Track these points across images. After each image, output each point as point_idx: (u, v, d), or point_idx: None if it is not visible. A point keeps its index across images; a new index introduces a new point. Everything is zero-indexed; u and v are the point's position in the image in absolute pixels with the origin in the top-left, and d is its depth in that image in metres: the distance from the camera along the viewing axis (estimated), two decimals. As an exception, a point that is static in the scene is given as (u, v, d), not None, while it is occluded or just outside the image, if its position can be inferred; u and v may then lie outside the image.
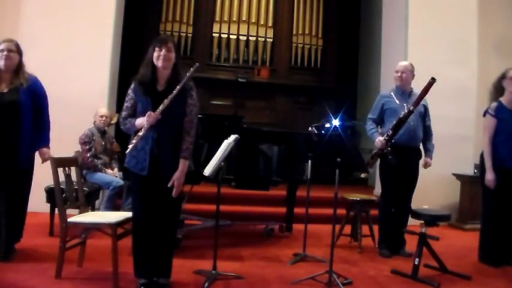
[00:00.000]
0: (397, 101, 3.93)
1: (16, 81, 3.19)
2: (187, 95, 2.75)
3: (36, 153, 3.35)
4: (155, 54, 2.71)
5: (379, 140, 3.83)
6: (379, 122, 4.06)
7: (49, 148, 3.36)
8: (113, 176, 4.57)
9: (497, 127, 3.70)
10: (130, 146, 2.71)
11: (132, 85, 2.79)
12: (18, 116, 3.18)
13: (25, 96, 3.20)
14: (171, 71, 2.76)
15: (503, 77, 3.77)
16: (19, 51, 3.24)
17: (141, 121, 2.68)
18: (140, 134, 2.66)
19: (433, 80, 3.63)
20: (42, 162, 3.33)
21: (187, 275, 3.11)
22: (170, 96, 2.65)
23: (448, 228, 5.34)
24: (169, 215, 2.81)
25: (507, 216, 3.71)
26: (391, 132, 3.77)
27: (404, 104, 3.84)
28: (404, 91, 3.99)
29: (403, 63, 4.09)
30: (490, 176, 3.68)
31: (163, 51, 2.69)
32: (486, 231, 3.83)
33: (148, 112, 2.64)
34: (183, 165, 2.72)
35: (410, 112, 3.73)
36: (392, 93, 4.03)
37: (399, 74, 3.97)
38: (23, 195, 3.32)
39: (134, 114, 2.78)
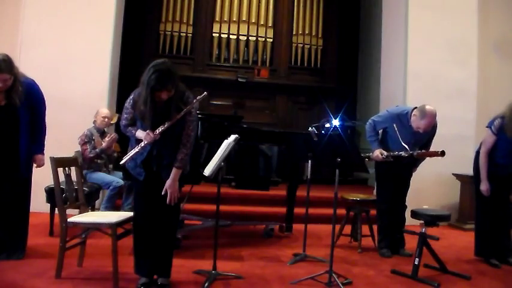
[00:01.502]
0: (400, 138, 3.72)
1: (12, 94, 3.14)
2: (187, 114, 2.73)
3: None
4: (156, 94, 2.61)
5: (378, 156, 3.83)
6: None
7: (43, 154, 3.36)
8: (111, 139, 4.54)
9: (496, 143, 3.78)
10: (125, 158, 2.74)
11: (131, 101, 2.76)
12: (16, 127, 3.19)
13: (23, 107, 3.18)
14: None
15: None
16: (11, 71, 3.07)
17: (140, 134, 2.71)
18: (137, 149, 2.70)
19: (442, 155, 3.50)
20: (37, 167, 3.34)
21: (187, 275, 3.11)
22: (171, 122, 2.66)
23: (448, 228, 5.34)
24: (169, 216, 2.82)
25: (499, 216, 3.82)
26: (391, 160, 3.80)
27: (407, 146, 3.69)
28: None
29: (433, 114, 3.69)
30: (484, 186, 3.80)
31: (164, 94, 2.63)
32: (480, 229, 3.95)
33: (148, 131, 2.66)
34: (175, 173, 2.72)
35: (411, 156, 3.71)
36: (398, 124, 3.79)
37: (421, 131, 3.73)
38: (24, 199, 3.34)
39: (134, 123, 2.80)
